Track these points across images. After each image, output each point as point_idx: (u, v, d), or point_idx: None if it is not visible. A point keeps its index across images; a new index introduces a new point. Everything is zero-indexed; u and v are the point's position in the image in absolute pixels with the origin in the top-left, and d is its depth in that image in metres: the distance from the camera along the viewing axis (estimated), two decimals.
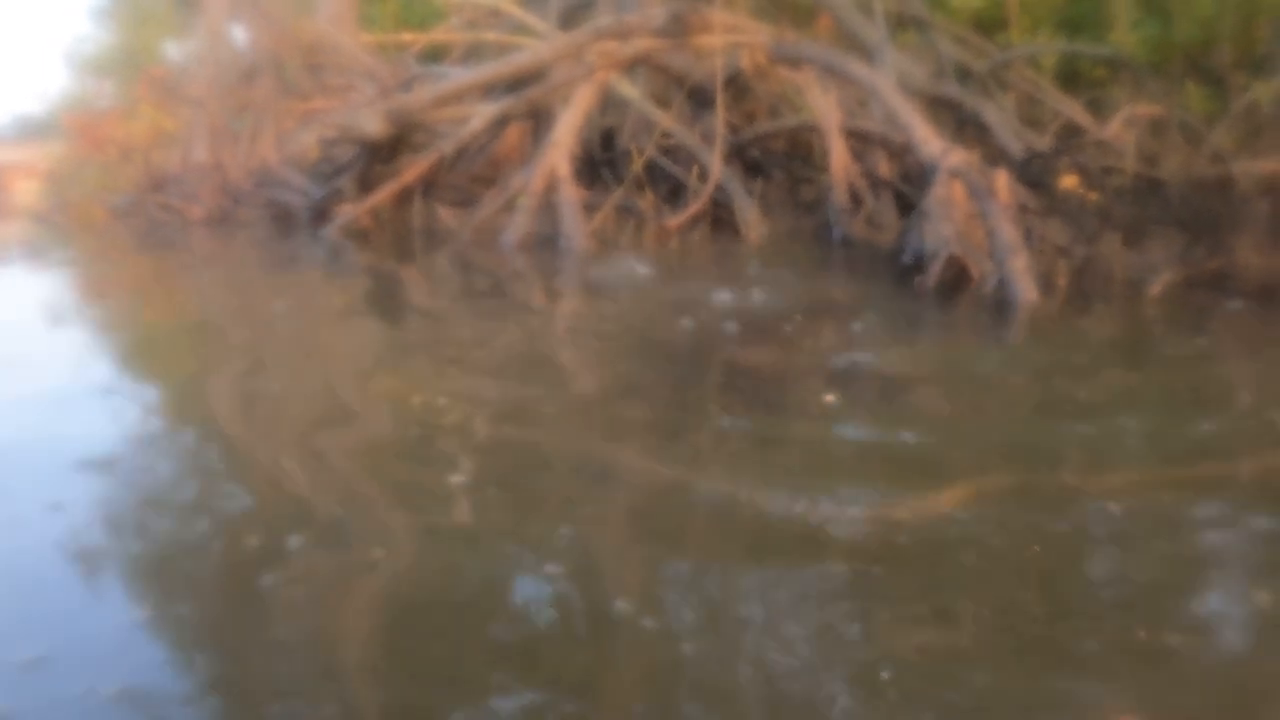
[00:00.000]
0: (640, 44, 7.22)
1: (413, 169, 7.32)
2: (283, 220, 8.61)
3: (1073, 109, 8.32)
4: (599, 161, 7.57)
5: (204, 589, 1.71)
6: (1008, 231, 4.82)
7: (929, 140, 5.77)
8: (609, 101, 7.58)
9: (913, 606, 1.60)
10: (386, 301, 5.46)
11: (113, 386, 3.27)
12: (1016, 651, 1.47)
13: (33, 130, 16.20)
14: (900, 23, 9.23)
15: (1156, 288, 4.90)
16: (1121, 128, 6.95)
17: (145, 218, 9.77)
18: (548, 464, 2.40)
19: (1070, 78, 9.20)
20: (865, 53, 8.22)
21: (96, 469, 2.29)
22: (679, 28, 7.26)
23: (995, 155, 7.18)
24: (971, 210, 5.15)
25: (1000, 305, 4.50)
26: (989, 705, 1.34)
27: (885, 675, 1.37)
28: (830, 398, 2.89)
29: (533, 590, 1.66)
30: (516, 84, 7.60)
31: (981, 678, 1.39)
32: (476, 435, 2.58)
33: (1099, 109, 8.22)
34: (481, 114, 7.22)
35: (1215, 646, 1.54)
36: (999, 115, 8.05)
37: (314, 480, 2.24)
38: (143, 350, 4.24)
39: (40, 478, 2.24)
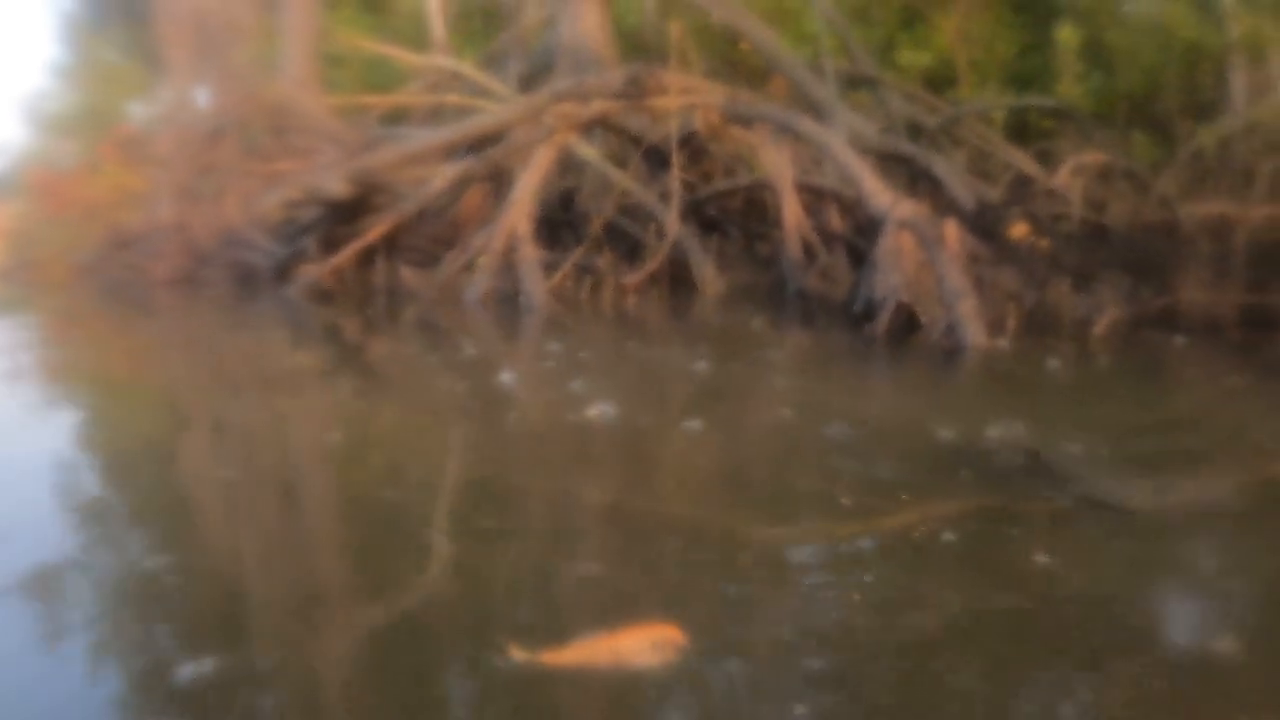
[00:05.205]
0: (599, 106, 7.39)
1: (375, 229, 7.40)
2: (247, 280, 8.63)
3: (1022, 160, 8.51)
4: (559, 222, 7.68)
5: None
6: (955, 278, 4.96)
7: (878, 193, 5.91)
8: (568, 163, 7.71)
9: None
10: (352, 359, 5.51)
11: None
12: None
13: None
14: (852, 82, 9.48)
15: (1101, 327, 5.07)
16: (1069, 176, 7.13)
17: (109, 276, 9.76)
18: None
19: (1019, 130, 9.44)
20: (818, 111, 8.42)
21: None
22: (636, 90, 7.44)
23: (948, 207, 7.35)
24: (921, 259, 5.29)
25: (951, 350, 4.63)
26: None
27: None
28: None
29: None
30: (478, 145, 7.74)
31: None
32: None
33: (1047, 159, 8.41)
34: (443, 174, 7.34)
35: None
36: (950, 168, 8.24)
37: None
38: (114, 420, 4.24)
39: None
